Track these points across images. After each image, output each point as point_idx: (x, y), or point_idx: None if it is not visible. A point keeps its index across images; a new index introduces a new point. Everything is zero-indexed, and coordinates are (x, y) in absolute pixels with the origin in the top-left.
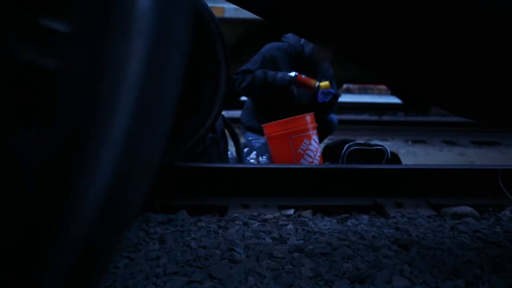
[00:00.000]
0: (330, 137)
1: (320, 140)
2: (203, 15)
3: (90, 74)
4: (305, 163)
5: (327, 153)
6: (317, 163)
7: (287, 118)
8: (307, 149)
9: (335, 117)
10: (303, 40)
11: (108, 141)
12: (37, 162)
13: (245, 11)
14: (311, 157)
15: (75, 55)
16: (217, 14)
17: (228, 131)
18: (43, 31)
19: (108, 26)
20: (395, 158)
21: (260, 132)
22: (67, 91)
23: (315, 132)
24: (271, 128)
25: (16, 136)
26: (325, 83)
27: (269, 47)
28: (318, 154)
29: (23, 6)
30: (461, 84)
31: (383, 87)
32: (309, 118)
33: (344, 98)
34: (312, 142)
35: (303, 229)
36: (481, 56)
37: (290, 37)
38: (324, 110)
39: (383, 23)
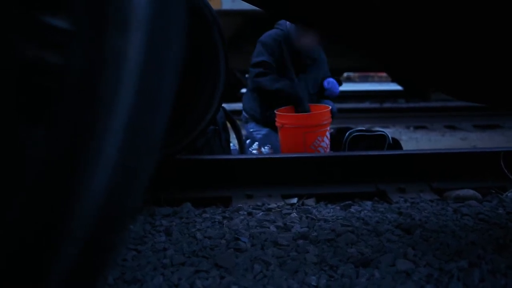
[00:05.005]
0: (331, 126)
1: None
2: (200, 7)
3: (91, 68)
4: None
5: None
6: None
7: (304, 113)
8: (319, 145)
9: (334, 105)
10: (288, 24)
11: (111, 132)
12: (43, 156)
13: (242, 2)
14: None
15: (77, 50)
16: (215, 6)
17: (230, 123)
18: (45, 29)
19: (107, 19)
20: (396, 144)
21: (261, 122)
22: (70, 85)
23: (328, 128)
24: (286, 118)
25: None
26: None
27: (269, 36)
28: (328, 150)
29: (25, 4)
30: (465, 67)
31: (383, 74)
32: (325, 114)
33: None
34: (325, 139)
35: (307, 217)
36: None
37: (282, 23)
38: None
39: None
